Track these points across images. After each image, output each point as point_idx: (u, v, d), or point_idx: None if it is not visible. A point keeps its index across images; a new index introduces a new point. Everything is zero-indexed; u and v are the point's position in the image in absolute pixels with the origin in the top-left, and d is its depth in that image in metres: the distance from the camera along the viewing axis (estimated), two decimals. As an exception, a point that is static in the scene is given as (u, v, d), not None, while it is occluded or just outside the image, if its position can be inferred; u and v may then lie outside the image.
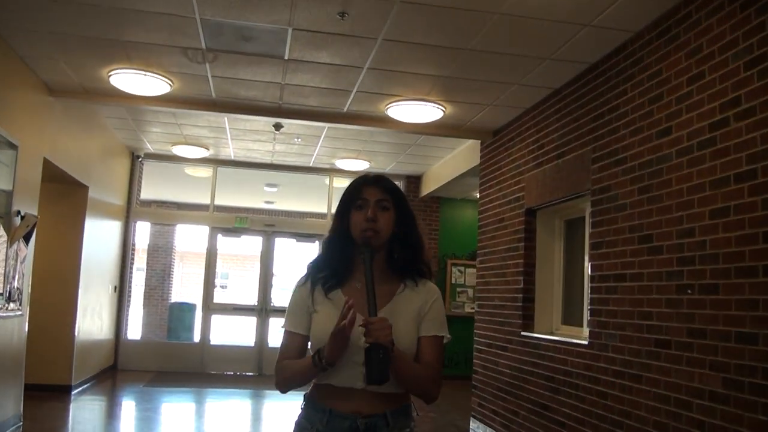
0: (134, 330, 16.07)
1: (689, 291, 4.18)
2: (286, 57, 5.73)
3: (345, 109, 7.22)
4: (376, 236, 2.15)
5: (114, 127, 9.57)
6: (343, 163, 11.03)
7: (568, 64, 5.63)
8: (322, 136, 9.39)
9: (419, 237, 2.28)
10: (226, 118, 8.50)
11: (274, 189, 13.85)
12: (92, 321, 9.48)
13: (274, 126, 8.82)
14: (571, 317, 6.52)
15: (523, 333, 6.55)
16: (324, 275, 2.23)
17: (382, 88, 6.44)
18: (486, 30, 5.01)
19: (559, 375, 5.74)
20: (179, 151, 10.58)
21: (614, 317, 4.99)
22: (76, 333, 8.64)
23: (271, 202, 15.74)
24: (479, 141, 8.31)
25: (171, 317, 16.19)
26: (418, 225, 2.31)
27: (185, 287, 26.31)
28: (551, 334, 6.45)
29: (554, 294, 6.66)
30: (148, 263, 16.64)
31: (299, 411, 2.22)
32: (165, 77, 6.39)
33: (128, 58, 6.01)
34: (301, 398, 2.25)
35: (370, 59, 5.68)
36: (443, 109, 6.85)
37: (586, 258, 6.11)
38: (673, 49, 4.54)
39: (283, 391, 2.20)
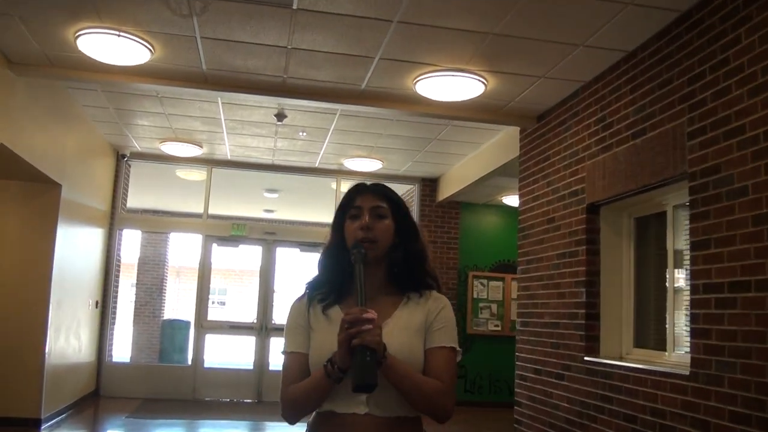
0: (123, 351, 14.86)
1: None
2: (294, 6, 4.49)
3: (363, 86, 5.98)
4: (373, 246, 1.98)
5: (94, 119, 8.35)
6: (352, 163, 9.80)
7: (653, 14, 4.42)
8: (331, 129, 8.18)
9: (422, 248, 2.10)
10: (220, 105, 7.29)
11: (275, 195, 12.61)
12: (68, 341, 8.21)
13: (276, 116, 7.64)
14: (644, 338, 5.28)
15: (586, 358, 5.28)
16: (321, 292, 2.06)
17: (412, 53, 5.21)
18: (559, -41, 3.81)
19: (645, 414, 4.47)
20: (169, 149, 9.36)
21: (732, 339, 3.74)
22: (46, 356, 7.36)
23: (272, 211, 14.46)
24: (516, 130, 7.12)
25: (163, 336, 14.95)
26: (422, 235, 2.12)
27: (182, 304, 25.07)
28: (621, 359, 5.21)
29: (624, 309, 5.40)
30: (138, 277, 15.36)
31: None
32: (143, 40, 5.16)
33: (97, 13, 4.79)
34: (305, 428, 2.07)
35: (402, 7, 4.44)
36: (485, 82, 5.62)
37: (671, 263, 4.89)
38: (818, -26, 3.34)
39: (292, 421, 2.00)
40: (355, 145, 8.95)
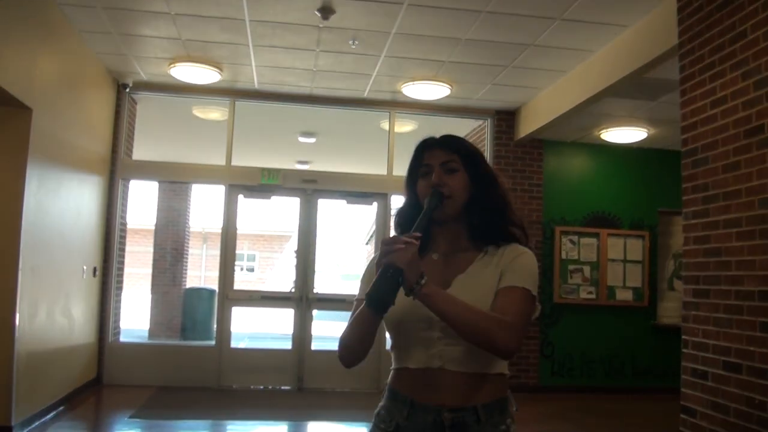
0: (141, 325, 13.09)
1: None
2: None
3: None
4: (449, 202, 1.89)
5: (80, 29, 6.34)
6: (412, 90, 7.68)
7: None
8: (392, 34, 6.10)
9: (503, 196, 1.97)
10: (243, -10, 5.24)
11: (311, 140, 10.51)
12: (51, 320, 6.26)
13: (319, 11, 5.59)
14: None
15: None
16: None
17: None
18: None
19: None
20: (181, 73, 7.32)
21: None
22: (16, 340, 5.43)
23: (306, 162, 12.28)
24: (663, 17, 4.99)
25: (186, 308, 13.09)
26: (501, 180, 1.99)
27: (209, 272, 23.31)
28: None
29: None
30: (155, 240, 13.41)
31: (381, 401, 1.97)
32: None
33: None
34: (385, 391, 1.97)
35: None
36: None
37: None
38: None
39: (347, 362, 1.89)
40: (420, 60, 6.83)
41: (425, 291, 1.69)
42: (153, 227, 13.64)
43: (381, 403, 1.96)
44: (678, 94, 4.70)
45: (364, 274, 2.00)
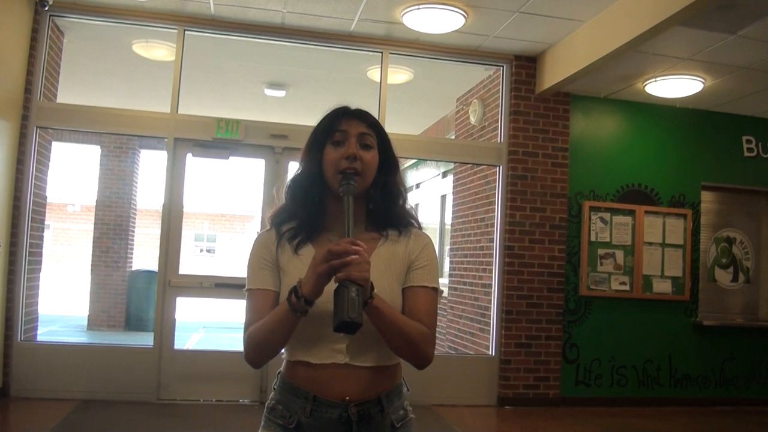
0: (80, 313, 11.32)
1: None
2: None
3: None
4: (357, 179, 1.76)
5: None
6: (415, 18, 5.93)
7: None
8: None
9: (402, 185, 1.91)
10: None
11: (281, 93, 8.72)
12: None
13: None
14: None
15: None
16: (291, 227, 1.84)
17: None
18: None
19: None
20: (111, -15, 5.50)
21: None
22: None
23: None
24: None
25: (130, 295, 11.30)
26: (402, 173, 1.94)
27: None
28: None
29: None
30: (96, 215, 11.52)
31: (272, 392, 1.85)
32: None
33: None
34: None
35: None
36: None
37: None
38: None
39: (256, 364, 1.77)
40: (433, -30, 5.10)
41: (376, 304, 1.62)
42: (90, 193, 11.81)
43: (274, 395, 1.82)
44: None
45: (254, 261, 1.82)
